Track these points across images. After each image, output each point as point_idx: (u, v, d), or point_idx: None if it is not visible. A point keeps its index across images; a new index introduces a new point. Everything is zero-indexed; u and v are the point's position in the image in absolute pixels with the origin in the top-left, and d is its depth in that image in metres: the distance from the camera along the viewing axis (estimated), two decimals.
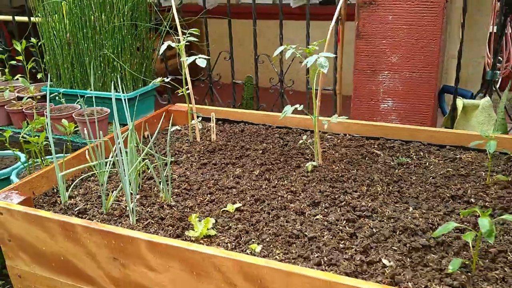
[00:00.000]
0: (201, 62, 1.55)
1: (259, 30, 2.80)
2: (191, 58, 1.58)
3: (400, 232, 1.17)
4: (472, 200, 1.30)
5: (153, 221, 1.28)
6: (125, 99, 1.56)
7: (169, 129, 1.53)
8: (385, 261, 1.08)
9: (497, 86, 4.70)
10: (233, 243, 1.18)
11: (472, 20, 4.38)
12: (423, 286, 0.99)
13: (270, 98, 2.80)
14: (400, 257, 1.09)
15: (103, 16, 2.30)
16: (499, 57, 4.49)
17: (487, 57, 5.16)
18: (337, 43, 2.60)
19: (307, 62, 1.39)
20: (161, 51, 1.59)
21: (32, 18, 2.92)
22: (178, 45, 1.62)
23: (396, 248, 1.12)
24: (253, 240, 1.18)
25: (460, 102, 2.38)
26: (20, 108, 2.45)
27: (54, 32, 2.42)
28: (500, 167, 1.48)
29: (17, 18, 3.21)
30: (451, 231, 1.16)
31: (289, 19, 3.35)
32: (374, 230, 1.19)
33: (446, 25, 2.48)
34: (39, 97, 2.50)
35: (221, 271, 1.05)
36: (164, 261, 1.11)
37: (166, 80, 1.71)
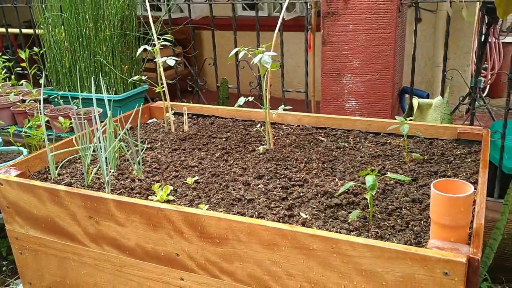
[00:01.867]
0: (171, 62, 1.84)
1: (255, 40, 3.07)
2: (163, 59, 1.87)
3: (321, 195, 1.44)
4: (388, 173, 1.57)
5: (124, 191, 1.56)
6: (109, 100, 1.85)
7: (139, 119, 1.82)
8: (302, 214, 1.34)
9: (485, 93, 4.89)
10: (187, 205, 1.45)
11: (455, 28, 4.61)
12: (325, 229, 1.26)
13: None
14: (317, 212, 1.36)
15: (97, 27, 2.61)
16: (486, 65, 4.64)
17: (473, 65, 5.38)
18: (308, 51, 2.88)
19: (254, 60, 1.67)
20: (137, 54, 1.89)
21: (36, 30, 3.25)
22: (153, 49, 1.92)
23: (315, 206, 1.39)
24: (203, 202, 1.46)
25: (415, 101, 2.64)
26: (24, 109, 2.76)
27: (54, 41, 2.74)
28: (420, 149, 1.74)
29: (24, 30, 3.55)
30: (362, 195, 1.43)
31: (284, 31, 3.62)
32: (301, 194, 1.46)
33: (403, 32, 2.76)
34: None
35: (171, 221, 1.32)
36: (128, 216, 1.39)
37: (143, 78, 2.01)
